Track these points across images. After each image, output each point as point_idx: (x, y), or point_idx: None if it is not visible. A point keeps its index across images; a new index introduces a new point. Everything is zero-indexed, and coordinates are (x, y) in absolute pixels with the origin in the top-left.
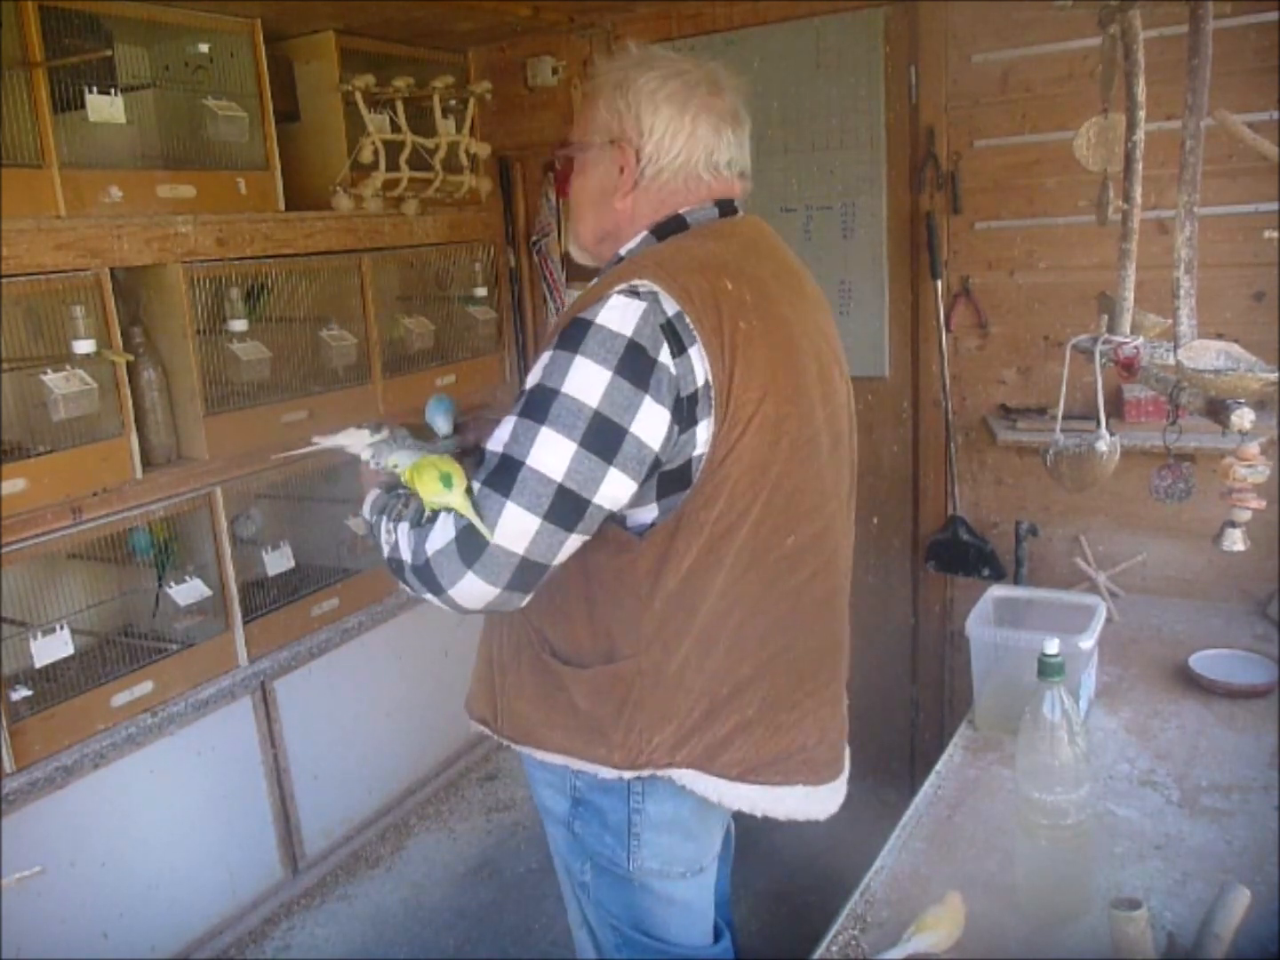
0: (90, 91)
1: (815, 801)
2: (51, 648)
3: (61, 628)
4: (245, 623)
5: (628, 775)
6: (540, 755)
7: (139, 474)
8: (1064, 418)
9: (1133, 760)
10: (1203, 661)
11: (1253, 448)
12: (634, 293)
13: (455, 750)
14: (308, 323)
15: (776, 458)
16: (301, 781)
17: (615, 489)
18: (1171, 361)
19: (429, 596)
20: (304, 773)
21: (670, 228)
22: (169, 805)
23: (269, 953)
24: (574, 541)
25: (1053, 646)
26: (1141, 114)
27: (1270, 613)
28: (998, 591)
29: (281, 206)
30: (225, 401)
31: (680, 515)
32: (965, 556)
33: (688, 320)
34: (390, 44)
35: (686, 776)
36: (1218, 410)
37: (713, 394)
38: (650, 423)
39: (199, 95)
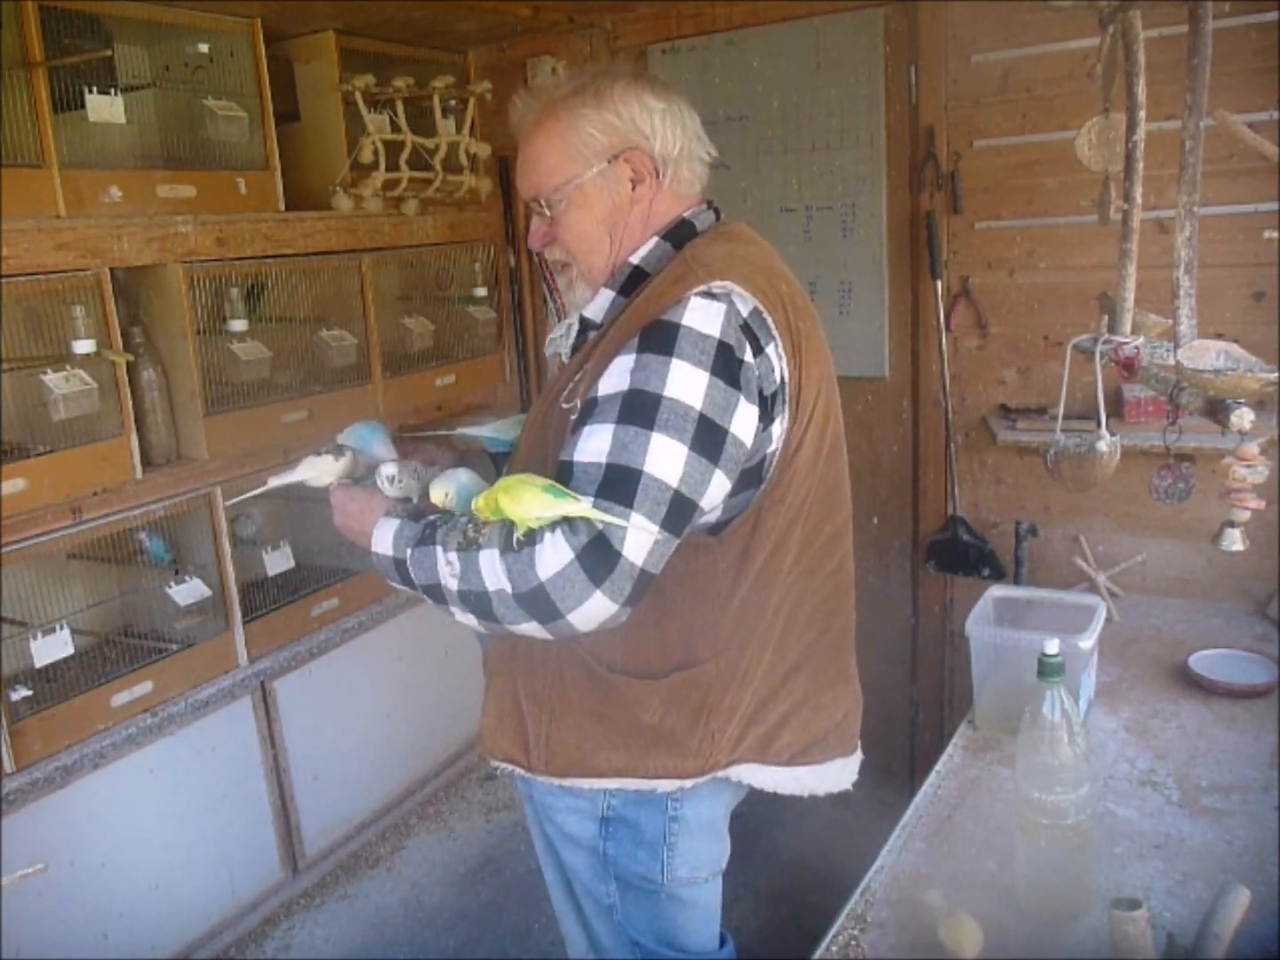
0: (90, 91)
1: (848, 773)
2: (51, 648)
3: (61, 628)
4: (245, 623)
5: (689, 783)
6: (589, 783)
7: (139, 474)
8: (1064, 418)
9: (1133, 760)
10: (1203, 661)
11: (1252, 448)
12: (711, 295)
13: (455, 750)
14: (308, 323)
15: (823, 452)
16: (301, 781)
17: (716, 491)
18: (1171, 361)
19: (527, 626)
20: (304, 773)
21: (682, 233)
22: (169, 805)
23: (269, 953)
24: (675, 548)
25: (1053, 646)
26: (1142, 114)
27: (1270, 613)
28: (998, 591)
29: (281, 206)
30: (225, 401)
31: (757, 512)
32: (965, 556)
33: (766, 319)
34: (390, 44)
35: (744, 771)
36: (1218, 410)
37: (786, 391)
38: (745, 422)
39: (199, 95)
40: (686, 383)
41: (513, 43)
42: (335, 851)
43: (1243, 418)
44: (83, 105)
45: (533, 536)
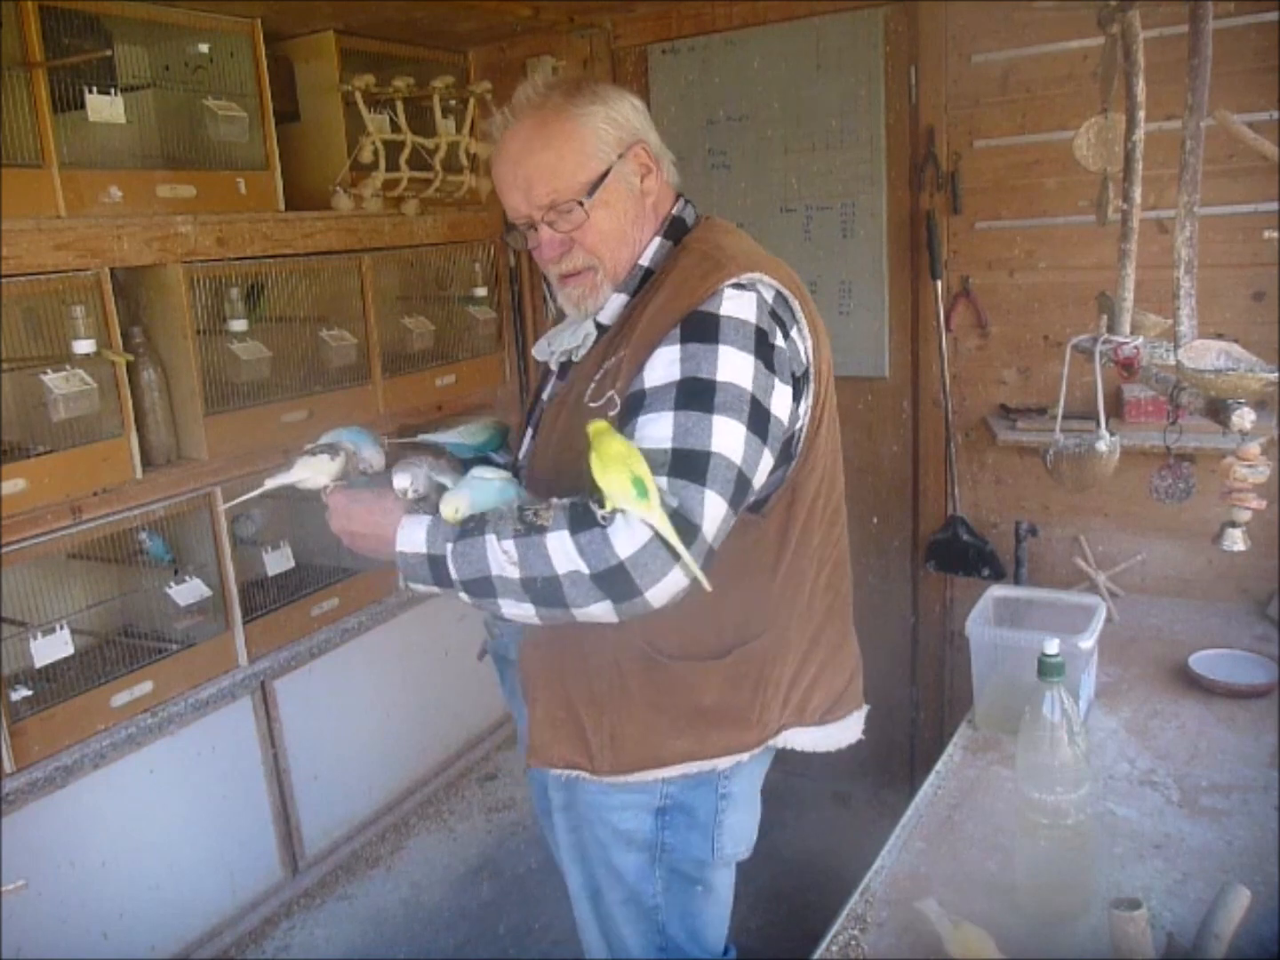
0: (90, 91)
1: (859, 726)
2: (51, 648)
3: (61, 628)
4: (245, 623)
5: (746, 756)
6: (654, 774)
7: (139, 474)
8: (1064, 418)
9: (1133, 760)
10: (1203, 661)
11: (1253, 448)
12: (740, 285)
13: (455, 750)
14: (308, 323)
15: (831, 422)
16: (301, 781)
17: (764, 469)
18: (1171, 361)
19: (598, 608)
20: (304, 773)
21: (676, 229)
22: (169, 805)
23: (269, 953)
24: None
25: (1053, 646)
26: (1141, 114)
27: (1270, 613)
28: (998, 591)
29: (281, 206)
30: (225, 401)
31: (792, 487)
32: (965, 556)
33: (791, 304)
34: (390, 44)
35: (790, 735)
36: (1218, 410)
37: (810, 371)
38: (782, 403)
39: (199, 95)
40: (736, 367)
41: (513, 43)
42: (335, 851)
43: (1244, 418)
44: (83, 105)
45: (611, 516)
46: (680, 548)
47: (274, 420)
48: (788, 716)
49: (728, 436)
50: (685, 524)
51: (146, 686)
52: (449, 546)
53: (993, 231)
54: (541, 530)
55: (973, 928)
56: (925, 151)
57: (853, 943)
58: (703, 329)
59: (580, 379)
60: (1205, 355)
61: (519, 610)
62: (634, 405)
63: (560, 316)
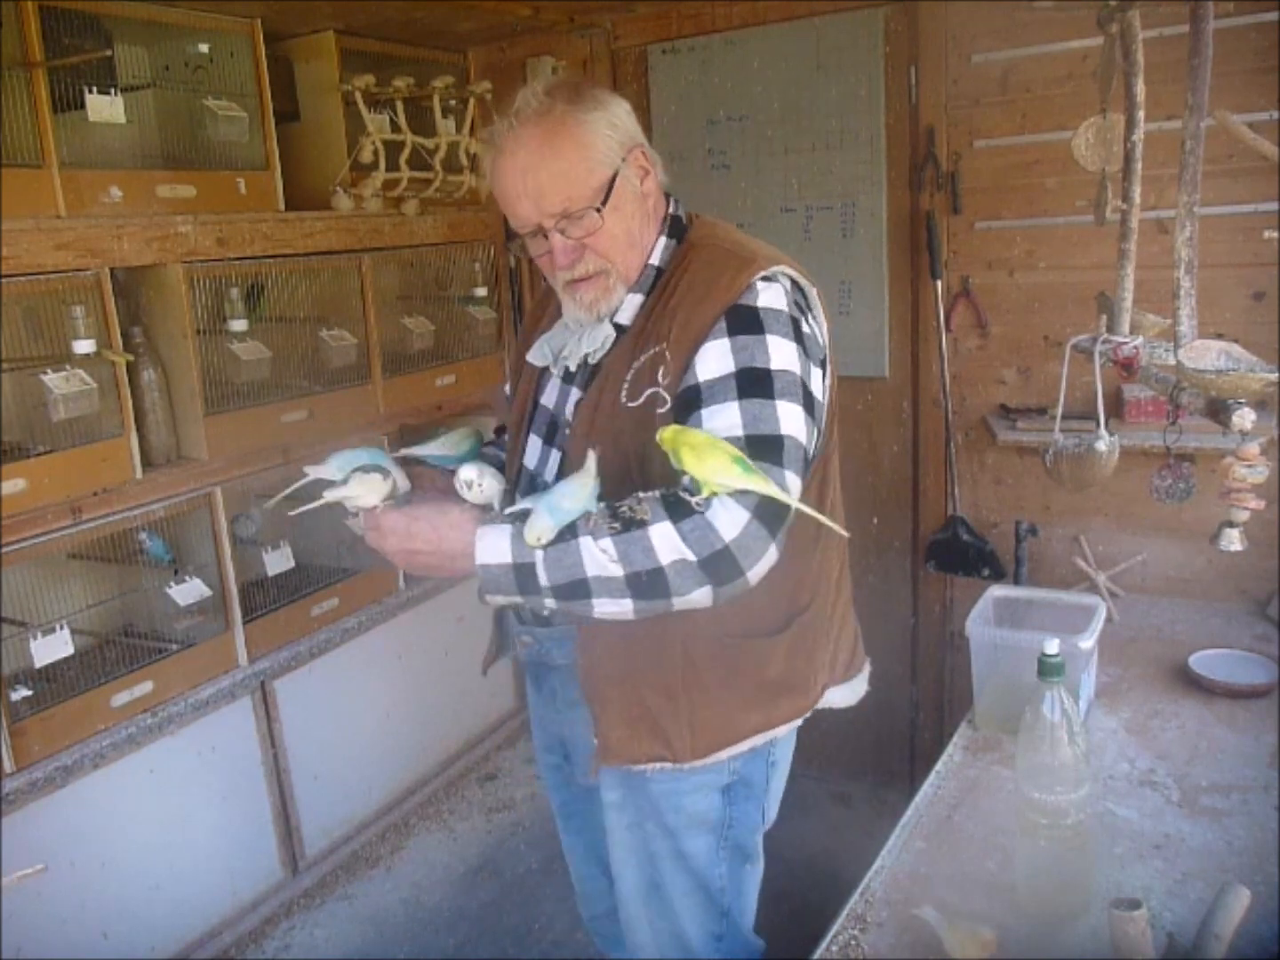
0: (90, 91)
1: (866, 681)
2: (51, 648)
3: (61, 628)
4: (245, 623)
5: (800, 720)
6: (729, 752)
7: (139, 474)
8: (1064, 418)
9: (1133, 760)
10: (1203, 661)
11: (1253, 448)
12: (767, 278)
13: (455, 750)
14: (308, 323)
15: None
16: (301, 781)
17: (813, 447)
18: (1171, 361)
19: (698, 593)
20: (304, 773)
21: (676, 227)
22: (169, 805)
23: (269, 953)
24: None
25: (1053, 646)
26: (1141, 114)
27: (1270, 613)
28: (998, 591)
29: (281, 206)
30: (225, 401)
31: (823, 460)
32: (965, 556)
33: (809, 292)
34: (390, 44)
35: (829, 695)
36: (1218, 410)
37: (826, 355)
38: (818, 383)
39: (199, 95)
40: (784, 354)
41: (513, 43)
42: (335, 851)
43: (1244, 418)
44: (83, 105)
45: (707, 502)
46: (791, 499)
47: (274, 420)
48: (829, 676)
49: (792, 419)
50: (777, 502)
51: (146, 686)
52: (538, 553)
53: (993, 231)
54: (642, 524)
55: (970, 925)
56: (925, 151)
57: (853, 943)
58: (747, 321)
59: (610, 381)
60: (1205, 355)
61: (615, 608)
62: (691, 400)
63: (546, 320)
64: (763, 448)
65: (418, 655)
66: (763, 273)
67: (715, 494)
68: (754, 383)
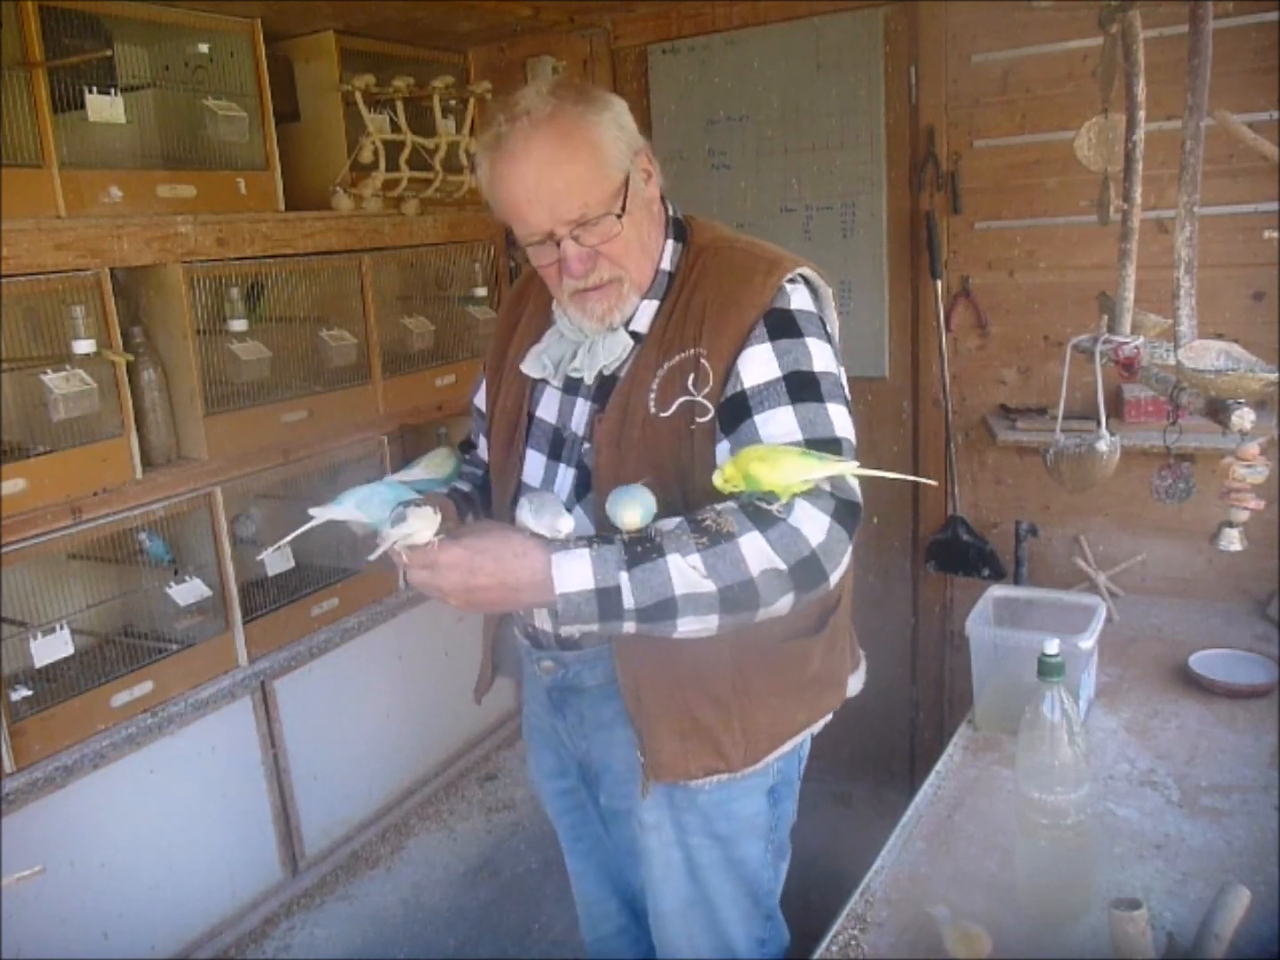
0: (90, 91)
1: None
2: (51, 648)
3: (61, 628)
4: (245, 623)
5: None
6: (777, 753)
7: (139, 474)
8: (1064, 418)
9: (1133, 760)
10: (1203, 661)
11: (1253, 448)
12: (792, 279)
13: (455, 750)
14: (308, 323)
15: None
16: (301, 781)
17: None
18: (1171, 361)
19: (783, 602)
20: (304, 773)
21: (679, 230)
22: (169, 805)
23: (269, 953)
24: None
25: (1053, 646)
26: (1141, 114)
27: (1270, 613)
28: (998, 591)
29: (281, 206)
30: (225, 401)
31: None
32: (965, 556)
33: (825, 292)
34: (390, 44)
35: (851, 684)
36: (1218, 410)
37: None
38: (846, 381)
39: (199, 95)
40: (823, 355)
41: (513, 43)
42: (335, 852)
43: (1244, 418)
44: (83, 105)
45: (789, 508)
46: (868, 468)
47: (274, 420)
48: (851, 666)
49: (843, 420)
50: (851, 504)
51: (146, 686)
52: (623, 576)
53: (993, 231)
54: (730, 537)
55: (971, 926)
56: (925, 151)
57: (853, 943)
58: (785, 325)
59: (635, 391)
60: (1205, 355)
61: (698, 625)
62: (739, 407)
63: (529, 327)
64: (822, 450)
65: (418, 655)
66: (788, 275)
67: (794, 498)
68: (803, 386)
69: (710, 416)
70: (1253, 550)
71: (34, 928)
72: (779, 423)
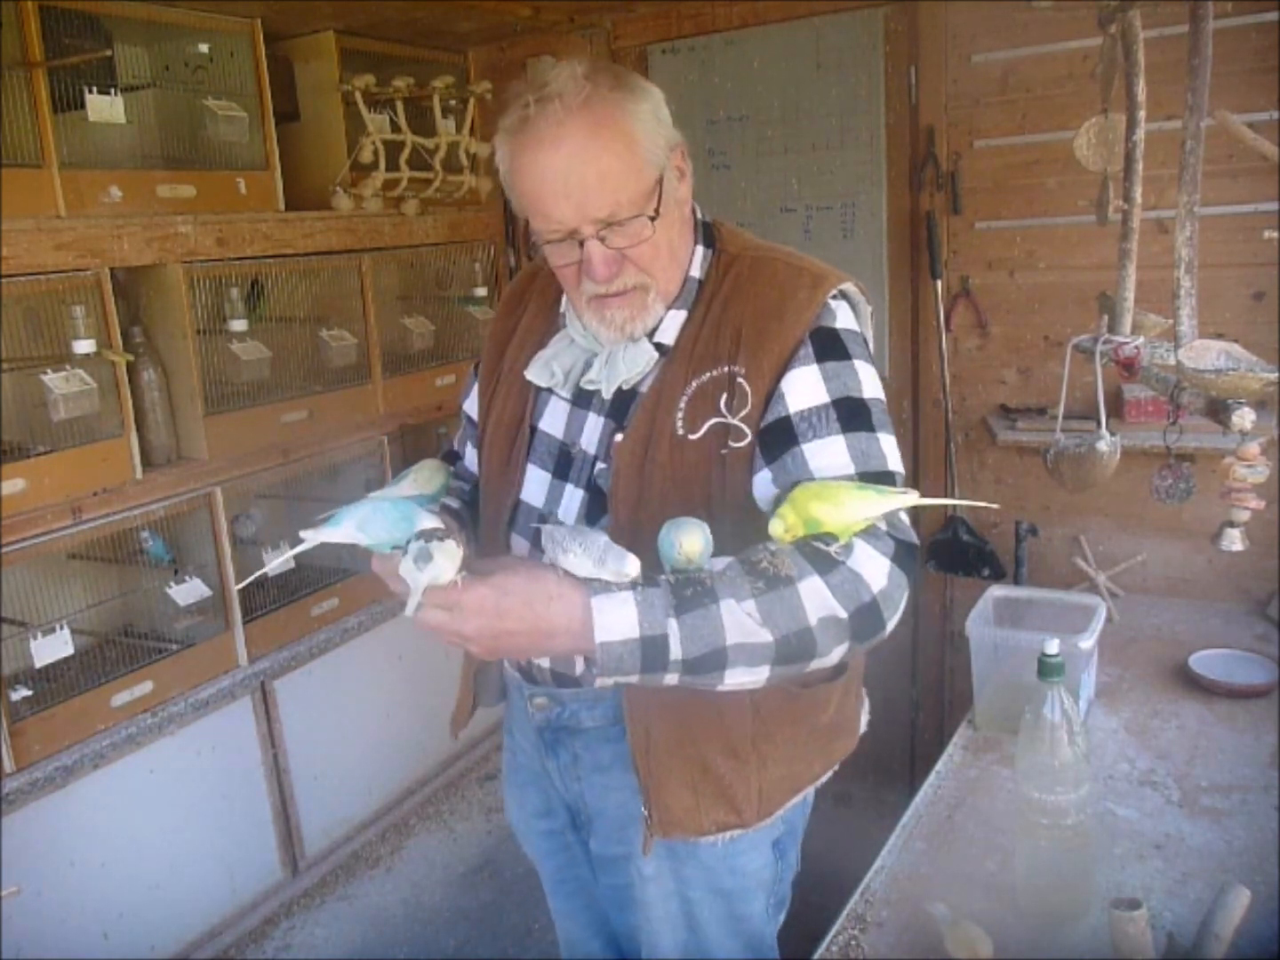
0: (90, 91)
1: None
2: (51, 648)
3: (61, 628)
4: (245, 623)
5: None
6: (789, 805)
7: (139, 474)
8: (1064, 418)
9: (1133, 760)
10: (1203, 661)
11: (1253, 448)
12: (834, 296)
13: (455, 750)
14: (308, 323)
15: None
16: (301, 781)
17: None
18: (1172, 361)
19: (837, 651)
20: (304, 773)
21: (709, 234)
22: (169, 805)
23: (269, 953)
24: None
25: (1053, 646)
26: (1141, 114)
27: (1270, 613)
28: (998, 591)
29: (281, 206)
30: (225, 401)
31: None
32: (965, 556)
33: (865, 310)
34: (390, 44)
35: (861, 723)
36: (1218, 410)
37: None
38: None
39: (199, 95)
40: (871, 379)
41: (513, 43)
42: (335, 851)
43: (1244, 418)
44: (83, 105)
45: (848, 549)
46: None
47: (274, 420)
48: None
49: (893, 451)
50: (909, 545)
51: (146, 686)
52: (671, 623)
53: (993, 231)
54: (789, 581)
55: (971, 927)
56: (925, 151)
57: (853, 943)
58: (833, 346)
59: (661, 409)
60: (1205, 355)
61: (747, 678)
62: (783, 433)
63: (528, 329)
64: (876, 485)
65: (418, 655)
66: (833, 290)
67: (852, 539)
68: (854, 415)
69: (747, 441)
70: (1253, 550)
71: (34, 928)
72: (830, 454)
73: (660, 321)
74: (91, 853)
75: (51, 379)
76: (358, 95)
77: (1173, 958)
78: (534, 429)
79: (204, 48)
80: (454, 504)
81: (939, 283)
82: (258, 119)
